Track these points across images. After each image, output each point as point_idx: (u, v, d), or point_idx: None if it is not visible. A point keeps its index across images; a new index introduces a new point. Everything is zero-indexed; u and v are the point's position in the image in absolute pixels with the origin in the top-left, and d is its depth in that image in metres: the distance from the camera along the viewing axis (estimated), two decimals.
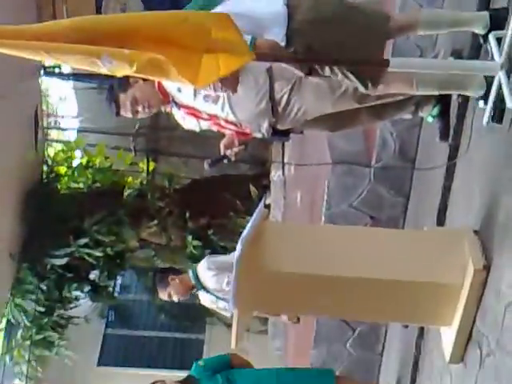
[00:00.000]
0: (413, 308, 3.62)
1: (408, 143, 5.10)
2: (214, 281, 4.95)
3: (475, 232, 3.54)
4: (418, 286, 3.47)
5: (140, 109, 3.72)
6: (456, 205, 4.24)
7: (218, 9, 3.32)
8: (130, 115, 3.77)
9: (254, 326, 8.97)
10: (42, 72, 9.47)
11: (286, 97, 3.66)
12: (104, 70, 2.66)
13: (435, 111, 3.89)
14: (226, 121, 3.74)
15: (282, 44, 3.33)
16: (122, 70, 2.69)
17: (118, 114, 3.78)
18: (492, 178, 3.46)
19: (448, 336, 3.63)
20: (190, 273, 5.05)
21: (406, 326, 5.03)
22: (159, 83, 3.73)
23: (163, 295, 5.11)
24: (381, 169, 5.24)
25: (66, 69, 9.77)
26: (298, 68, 3.48)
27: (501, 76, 3.09)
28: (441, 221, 4.41)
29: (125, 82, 3.69)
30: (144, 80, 3.69)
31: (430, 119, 3.98)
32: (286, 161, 8.30)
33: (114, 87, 3.75)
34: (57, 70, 9.85)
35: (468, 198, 3.91)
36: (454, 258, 3.46)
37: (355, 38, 3.37)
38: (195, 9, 3.47)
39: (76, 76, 10.01)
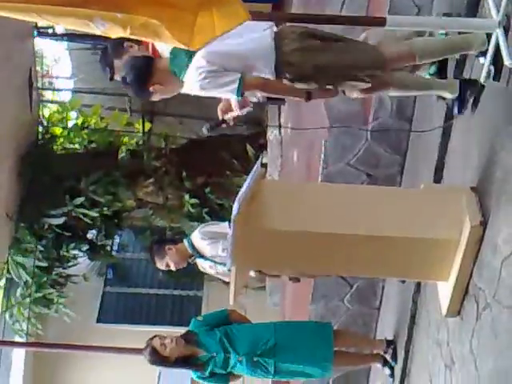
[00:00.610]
0: (410, 264, 3.66)
1: (405, 102, 5.08)
2: (209, 248, 5.01)
3: (472, 188, 3.57)
4: (416, 242, 3.51)
5: None
6: (453, 162, 4.26)
7: (202, 52, 3.22)
8: None
9: (252, 282, 9.04)
10: (35, 33, 9.34)
11: None
12: (98, 32, 2.65)
13: (432, 69, 3.90)
14: None
15: (272, 78, 3.35)
16: (116, 32, 2.67)
17: (111, 78, 3.76)
18: (489, 134, 3.47)
19: (445, 290, 3.68)
20: (186, 242, 5.09)
21: (403, 282, 5.09)
22: (153, 48, 3.70)
23: (161, 265, 5.13)
24: (378, 128, 5.24)
25: (60, 29, 9.65)
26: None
27: (498, 34, 3.08)
28: (438, 178, 4.44)
29: (119, 47, 3.66)
30: (139, 45, 3.67)
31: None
32: (282, 122, 8.25)
33: (108, 51, 3.72)
34: (50, 31, 9.73)
35: (465, 155, 3.94)
36: (451, 215, 3.50)
37: (347, 53, 3.37)
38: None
39: (70, 36, 9.91)
